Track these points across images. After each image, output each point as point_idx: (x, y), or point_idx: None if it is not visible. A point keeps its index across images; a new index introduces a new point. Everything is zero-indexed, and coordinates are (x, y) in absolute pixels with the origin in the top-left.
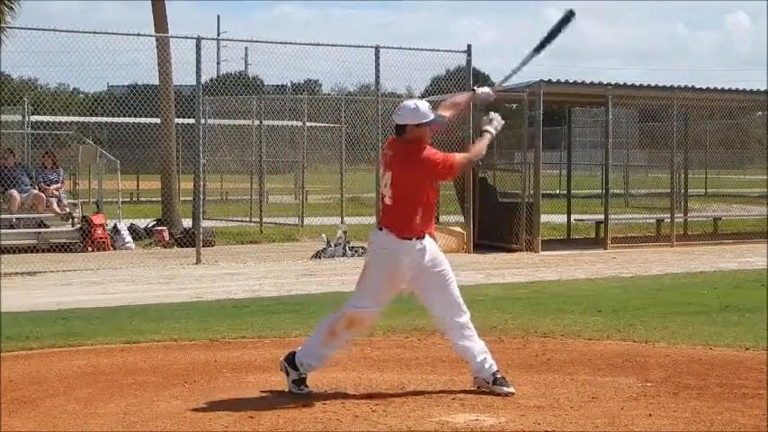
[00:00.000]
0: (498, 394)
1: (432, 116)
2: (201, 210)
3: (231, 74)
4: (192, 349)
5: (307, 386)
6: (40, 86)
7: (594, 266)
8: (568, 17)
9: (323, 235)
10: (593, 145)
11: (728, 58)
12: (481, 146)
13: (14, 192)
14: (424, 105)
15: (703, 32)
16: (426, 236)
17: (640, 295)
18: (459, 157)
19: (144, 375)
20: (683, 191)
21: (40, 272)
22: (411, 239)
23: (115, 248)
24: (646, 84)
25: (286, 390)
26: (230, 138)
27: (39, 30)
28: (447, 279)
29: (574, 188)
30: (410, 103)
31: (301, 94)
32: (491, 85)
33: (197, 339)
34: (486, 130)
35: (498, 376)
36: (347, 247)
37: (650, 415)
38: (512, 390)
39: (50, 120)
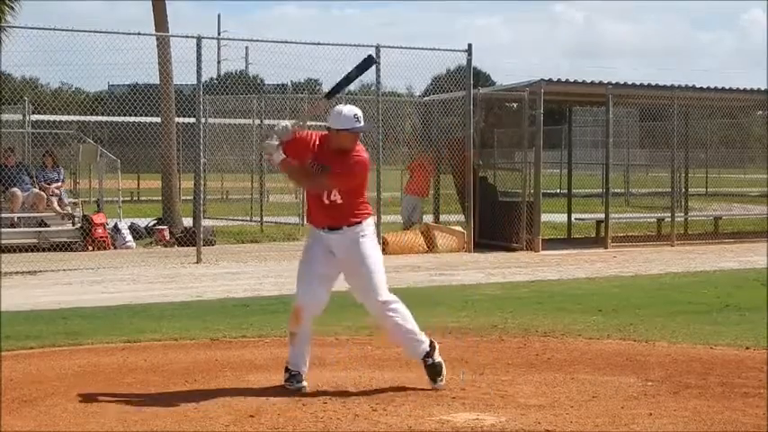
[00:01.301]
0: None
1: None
2: (202, 209)
3: (232, 73)
4: (192, 348)
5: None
6: (40, 85)
7: (595, 266)
8: (369, 62)
9: None
10: (593, 144)
11: (745, 57)
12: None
13: (17, 190)
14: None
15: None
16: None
17: (641, 294)
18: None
19: (144, 374)
20: (683, 190)
21: (41, 271)
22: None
23: (116, 247)
24: (646, 83)
25: (287, 389)
26: (231, 137)
27: (39, 29)
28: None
29: (574, 187)
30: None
31: (302, 93)
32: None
33: (198, 338)
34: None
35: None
36: None
37: (651, 414)
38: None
39: (51, 119)
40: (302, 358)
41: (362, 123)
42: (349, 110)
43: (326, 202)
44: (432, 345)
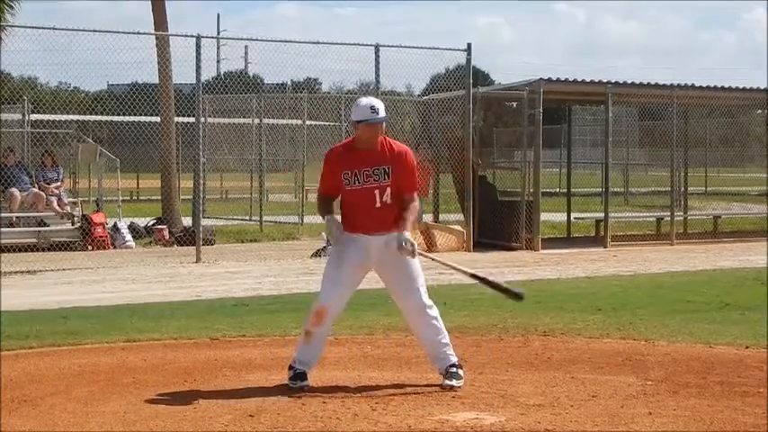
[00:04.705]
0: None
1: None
2: (201, 208)
3: (231, 72)
4: (192, 348)
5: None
6: (40, 85)
7: (594, 265)
8: (519, 297)
9: (323, 234)
10: (592, 143)
11: (746, 56)
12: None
13: (15, 190)
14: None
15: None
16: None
17: (640, 293)
18: None
19: (144, 374)
20: (682, 189)
21: (40, 270)
22: None
23: (115, 247)
24: (645, 82)
25: (286, 388)
26: (230, 136)
27: (39, 28)
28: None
29: (574, 186)
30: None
31: (301, 92)
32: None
33: (197, 338)
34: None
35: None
36: None
37: (650, 413)
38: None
39: (50, 118)
40: (313, 359)
41: (381, 115)
42: (366, 102)
43: (379, 204)
44: (459, 364)
